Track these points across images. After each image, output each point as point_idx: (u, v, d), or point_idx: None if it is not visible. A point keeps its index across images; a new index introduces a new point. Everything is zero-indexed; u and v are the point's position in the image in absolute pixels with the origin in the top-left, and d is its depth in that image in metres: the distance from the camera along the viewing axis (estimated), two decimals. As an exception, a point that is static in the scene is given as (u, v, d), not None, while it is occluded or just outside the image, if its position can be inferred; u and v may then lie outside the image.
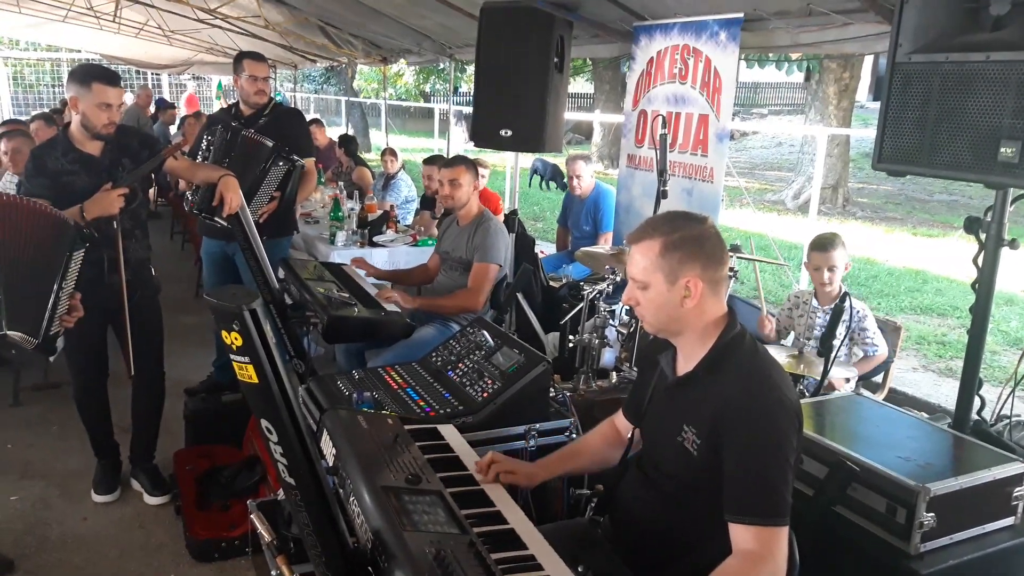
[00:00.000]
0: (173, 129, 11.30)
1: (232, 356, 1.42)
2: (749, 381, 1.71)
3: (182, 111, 13.05)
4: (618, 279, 3.56)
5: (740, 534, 1.62)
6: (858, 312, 3.38)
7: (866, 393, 3.16)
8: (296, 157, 3.83)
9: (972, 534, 2.12)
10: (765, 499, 1.61)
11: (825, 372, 2.87)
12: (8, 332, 2.48)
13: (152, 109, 12.16)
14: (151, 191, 6.95)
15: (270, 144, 3.70)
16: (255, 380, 1.40)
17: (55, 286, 2.61)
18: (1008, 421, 2.72)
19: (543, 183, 13.03)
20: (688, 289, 1.75)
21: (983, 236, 2.47)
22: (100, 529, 3.20)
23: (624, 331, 3.48)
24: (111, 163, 3.08)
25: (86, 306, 3.13)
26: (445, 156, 6.90)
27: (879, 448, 2.23)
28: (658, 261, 1.76)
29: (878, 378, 3.72)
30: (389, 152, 7.21)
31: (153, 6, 9.06)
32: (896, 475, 2.06)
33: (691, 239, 1.77)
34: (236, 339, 1.38)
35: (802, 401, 1.96)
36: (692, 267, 1.75)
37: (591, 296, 3.45)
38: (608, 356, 3.51)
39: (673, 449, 1.79)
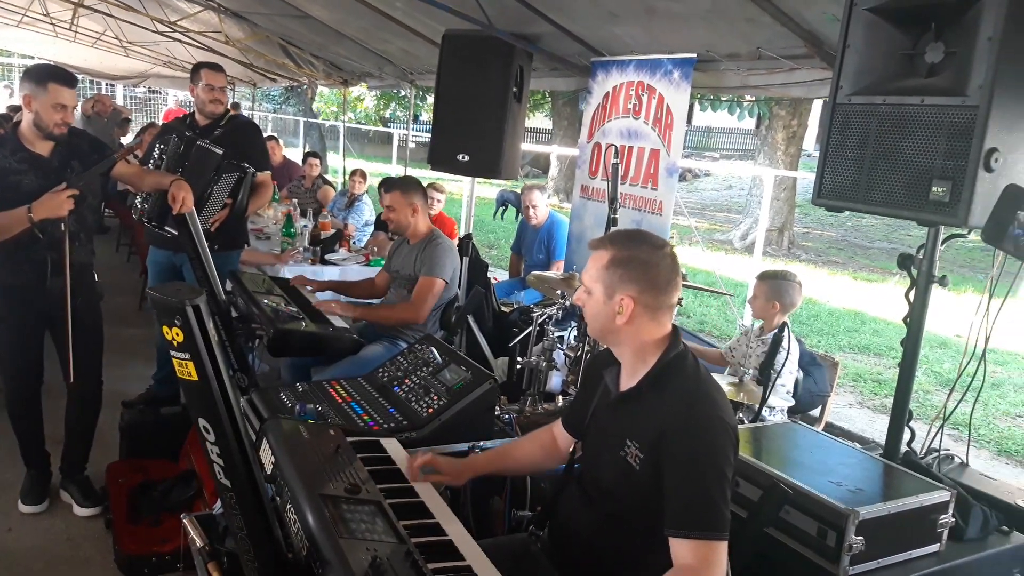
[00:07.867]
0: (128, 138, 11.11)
1: (172, 352, 1.41)
2: (692, 399, 1.75)
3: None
4: (567, 304, 3.60)
5: (679, 548, 1.64)
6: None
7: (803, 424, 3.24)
8: (247, 165, 3.82)
9: (899, 559, 2.17)
10: (704, 513, 1.63)
11: (763, 400, 2.94)
12: None
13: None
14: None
15: (219, 151, 3.71)
16: (195, 377, 1.40)
17: None
18: (937, 454, 2.81)
19: (517, 214, 12.92)
20: (621, 307, 1.80)
21: (915, 272, 2.57)
22: (26, 541, 3.09)
23: (572, 355, 3.51)
24: (60, 164, 3.03)
25: (26, 310, 3.06)
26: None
27: (812, 473, 2.29)
28: (602, 272, 1.82)
29: (815, 412, 3.82)
30: (359, 173, 7.20)
31: (112, 16, 8.96)
32: (827, 499, 2.11)
33: (639, 262, 1.81)
34: (177, 335, 1.37)
35: (740, 427, 2.01)
36: (629, 287, 1.79)
37: (540, 319, 3.48)
38: (555, 379, 3.53)
39: (615, 464, 1.81)
